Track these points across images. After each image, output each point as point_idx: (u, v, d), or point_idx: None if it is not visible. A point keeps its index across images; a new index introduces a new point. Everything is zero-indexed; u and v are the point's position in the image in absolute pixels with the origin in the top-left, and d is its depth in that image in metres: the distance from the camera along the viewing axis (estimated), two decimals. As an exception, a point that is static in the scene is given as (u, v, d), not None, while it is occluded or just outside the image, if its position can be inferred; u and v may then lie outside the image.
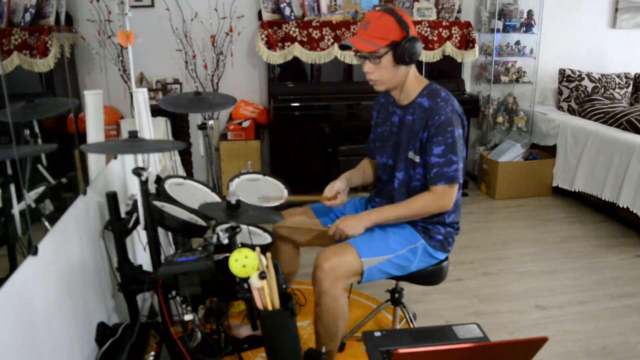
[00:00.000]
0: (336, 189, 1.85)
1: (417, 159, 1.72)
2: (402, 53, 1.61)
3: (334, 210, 1.95)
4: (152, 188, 1.88)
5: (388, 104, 1.85)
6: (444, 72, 4.02)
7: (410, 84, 1.72)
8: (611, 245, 3.16)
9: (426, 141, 1.68)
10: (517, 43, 4.21)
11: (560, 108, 4.31)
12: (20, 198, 1.54)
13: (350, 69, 3.83)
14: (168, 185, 1.84)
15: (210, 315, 1.73)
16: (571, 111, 4.21)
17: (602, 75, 4.22)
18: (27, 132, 1.85)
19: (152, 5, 3.65)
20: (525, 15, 4.11)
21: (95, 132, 1.91)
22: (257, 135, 3.79)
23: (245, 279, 1.34)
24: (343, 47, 1.67)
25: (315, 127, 3.80)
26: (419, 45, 1.62)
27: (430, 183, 1.68)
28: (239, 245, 1.47)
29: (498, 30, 4.03)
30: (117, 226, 1.69)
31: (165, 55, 3.73)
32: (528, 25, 4.11)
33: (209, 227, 1.78)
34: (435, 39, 3.83)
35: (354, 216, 1.71)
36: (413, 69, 1.72)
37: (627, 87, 4.27)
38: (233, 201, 1.43)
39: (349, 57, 3.68)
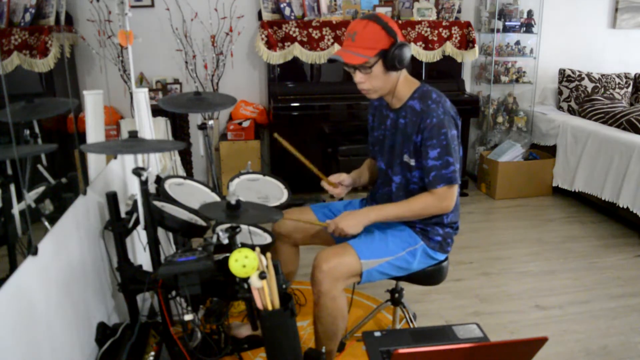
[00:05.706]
0: (341, 179, 1.90)
1: (413, 162, 1.71)
2: (392, 60, 1.59)
3: (334, 210, 1.95)
4: (152, 188, 1.88)
5: (382, 107, 1.84)
6: (444, 72, 4.02)
7: (401, 87, 1.71)
8: (611, 245, 3.16)
9: (420, 145, 1.67)
10: (517, 43, 4.21)
11: (560, 108, 4.31)
12: (20, 198, 1.54)
13: (350, 69, 3.83)
14: (168, 185, 1.84)
15: (210, 315, 1.73)
16: (571, 111, 4.21)
17: (602, 75, 4.22)
18: (27, 132, 1.85)
19: (152, 5, 3.65)
20: (525, 15, 4.11)
21: (95, 132, 1.91)
22: (257, 135, 3.79)
23: (245, 279, 1.34)
24: (332, 61, 1.63)
25: (315, 127, 3.80)
26: (408, 51, 1.61)
27: (430, 186, 1.66)
28: (239, 245, 1.47)
29: (498, 30, 4.03)
30: (117, 226, 1.69)
31: (165, 55, 3.73)
32: (528, 25, 4.11)
33: (209, 227, 1.78)
34: (435, 39, 3.83)
35: (353, 214, 1.69)
36: (404, 72, 1.71)
37: (627, 87, 4.27)
38: (233, 201, 1.43)
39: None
